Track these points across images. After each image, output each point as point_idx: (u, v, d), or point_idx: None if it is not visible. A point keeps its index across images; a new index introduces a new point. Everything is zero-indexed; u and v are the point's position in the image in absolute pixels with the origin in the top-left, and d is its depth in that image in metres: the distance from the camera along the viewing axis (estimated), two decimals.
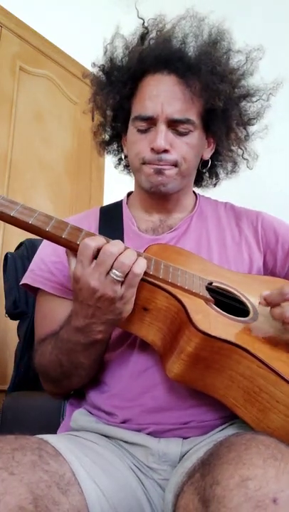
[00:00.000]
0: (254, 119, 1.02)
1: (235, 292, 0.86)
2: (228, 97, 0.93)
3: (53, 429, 0.92)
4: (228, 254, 0.96)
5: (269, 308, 0.76)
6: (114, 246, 0.69)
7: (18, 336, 1.47)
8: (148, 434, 0.80)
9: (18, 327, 1.49)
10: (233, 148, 1.04)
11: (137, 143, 0.94)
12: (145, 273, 0.74)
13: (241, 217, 1.04)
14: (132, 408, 0.82)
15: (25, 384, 1.33)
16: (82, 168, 2.53)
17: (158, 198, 0.98)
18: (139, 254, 0.76)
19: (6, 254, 1.51)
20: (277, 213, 1.08)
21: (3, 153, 2.11)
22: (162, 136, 0.89)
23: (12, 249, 1.56)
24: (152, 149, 0.91)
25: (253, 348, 0.70)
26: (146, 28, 0.99)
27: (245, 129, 1.03)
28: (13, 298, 1.43)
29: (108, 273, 0.69)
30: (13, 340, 1.78)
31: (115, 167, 1.16)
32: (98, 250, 0.70)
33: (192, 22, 0.98)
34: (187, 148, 0.92)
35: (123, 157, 1.13)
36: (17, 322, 1.49)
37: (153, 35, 0.99)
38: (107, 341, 0.84)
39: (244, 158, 1.07)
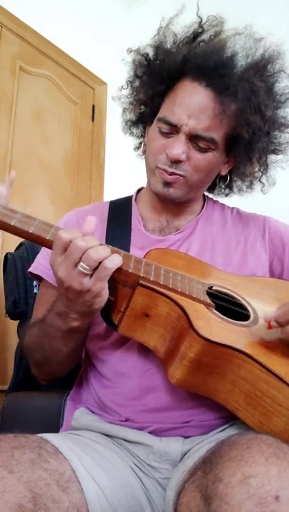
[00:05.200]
0: (280, 151, 1.00)
1: (236, 296, 0.85)
2: (258, 129, 0.90)
3: (52, 429, 0.92)
4: (233, 259, 0.96)
5: (272, 310, 0.76)
6: (83, 240, 0.69)
7: (18, 335, 1.46)
8: (149, 432, 0.80)
9: (18, 327, 1.49)
10: (249, 172, 1.01)
11: (156, 142, 0.93)
12: (146, 279, 0.75)
13: (248, 222, 1.04)
14: (133, 407, 0.82)
15: (25, 384, 1.33)
16: (82, 168, 2.54)
17: (166, 201, 0.98)
18: (139, 261, 0.76)
19: (6, 254, 1.51)
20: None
21: (3, 153, 2.11)
22: (180, 147, 0.88)
23: (12, 249, 1.56)
24: (167, 155, 0.90)
25: (254, 352, 0.70)
26: (202, 27, 0.95)
27: (266, 159, 0.99)
28: (13, 298, 1.43)
29: (76, 265, 0.69)
30: (13, 340, 1.78)
31: (134, 150, 1.13)
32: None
33: (246, 41, 0.93)
34: (202, 163, 0.90)
35: (142, 145, 1.11)
36: (17, 322, 1.49)
37: (206, 36, 0.95)
38: (85, 331, 0.85)
39: (261, 182, 1.04)
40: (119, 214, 1.02)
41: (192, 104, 0.88)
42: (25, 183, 2.19)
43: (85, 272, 0.69)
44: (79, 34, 2.59)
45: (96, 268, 0.70)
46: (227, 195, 1.10)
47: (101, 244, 0.72)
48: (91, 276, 0.70)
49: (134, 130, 1.09)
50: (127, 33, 2.67)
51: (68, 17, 2.56)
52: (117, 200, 1.08)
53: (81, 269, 0.69)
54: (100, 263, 0.69)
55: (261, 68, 0.92)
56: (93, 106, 2.68)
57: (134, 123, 1.07)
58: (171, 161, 0.89)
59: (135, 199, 1.07)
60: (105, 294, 0.74)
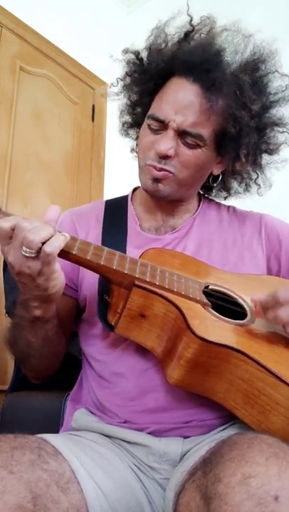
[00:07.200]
0: (273, 150, 0.98)
1: (232, 294, 0.85)
2: (246, 125, 0.89)
3: (52, 429, 0.92)
4: (230, 258, 0.95)
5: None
6: (26, 221, 0.67)
7: None
8: (149, 433, 0.80)
9: None
10: (241, 171, 1.00)
11: (146, 139, 0.93)
12: (141, 280, 0.75)
13: (244, 220, 1.03)
14: (133, 407, 0.82)
15: (25, 384, 1.33)
16: (82, 168, 2.54)
17: (159, 199, 0.97)
18: (134, 262, 0.76)
19: None
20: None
21: (3, 153, 2.11)
22: (168, 142, 0.88)
23: None
24: (156, 151, 0.90)
25: (251, 350, 0.70)
26: (192, 26, 0.95)
27: (255, 157, 0.98)
28: (13, 298, 1.43)
29: (22, 248, 0.68)
30: None
31: (131, 151, 1.13)
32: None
33: (234, 37, 0.93)
34: (191, 159, 0.90)
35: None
36: None
37: (196, 35, 0.95)
38: (52, 321, 0.83)
39: (256, 184, 1.04)
40: (115, 213, 1.02)
41: (179, 100, 0.88)
42: (25, 183, 2.19)
43: (27, 255, 0.67)
44: (79, 34, 2.59)
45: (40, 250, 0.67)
46: (226, 198, 1.10)
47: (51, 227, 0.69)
48: (38, 258, 0.68)
49: (131, 132, 1.09)
50: (127, 33, 2.67)
51: (68, 17, 2.56)
52: (112, 199, 1.08)
53: (23, 252, 0.67)
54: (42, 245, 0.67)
55: (251, 66, 0.92)
56: (93, 106, 2.68)
57: (131, 125, 1.07)
58: (160, 156, 0.89)
59: (131, 198, 1.07)
60: (58, 278, 0.72)
